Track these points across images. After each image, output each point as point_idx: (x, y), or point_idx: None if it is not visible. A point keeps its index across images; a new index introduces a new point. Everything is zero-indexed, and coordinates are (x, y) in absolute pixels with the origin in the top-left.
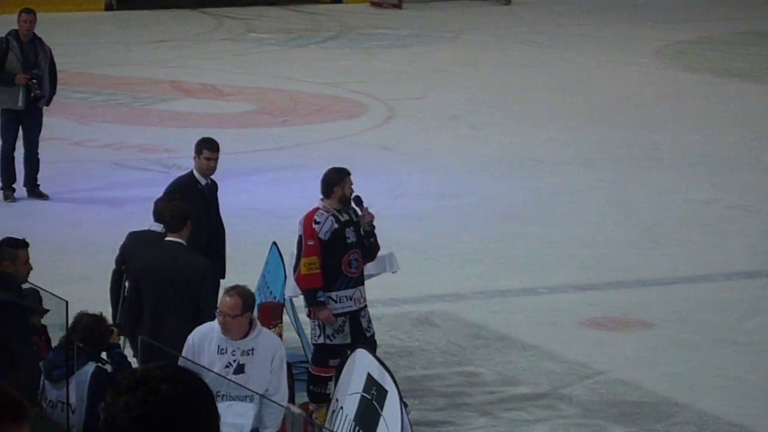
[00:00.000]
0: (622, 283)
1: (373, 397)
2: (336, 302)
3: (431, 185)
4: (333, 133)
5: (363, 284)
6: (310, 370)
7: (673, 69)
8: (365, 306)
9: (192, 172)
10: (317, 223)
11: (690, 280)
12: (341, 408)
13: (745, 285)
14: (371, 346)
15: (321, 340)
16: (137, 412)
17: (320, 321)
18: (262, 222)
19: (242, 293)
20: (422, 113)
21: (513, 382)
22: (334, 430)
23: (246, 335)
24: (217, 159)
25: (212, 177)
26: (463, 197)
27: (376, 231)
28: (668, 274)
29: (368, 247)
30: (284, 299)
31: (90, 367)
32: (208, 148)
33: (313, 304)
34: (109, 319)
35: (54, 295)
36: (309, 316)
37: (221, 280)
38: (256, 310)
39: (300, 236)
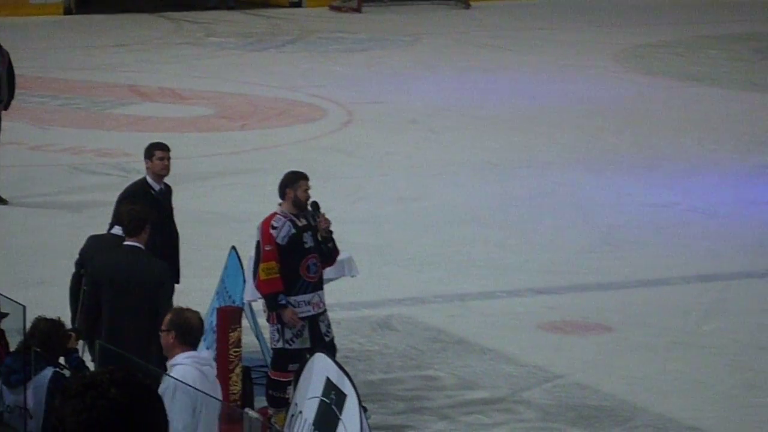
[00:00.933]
0: (580, 287)
1: (332, 401)
2: (295, 307)
3: (390, 189)
4: (291, 137)
5: (322, 289)
6: (270, 374)
7: (631, 72)
8: (324, 311)
9: (145, 178)
10: (274, 228)
11: (648, 283)
12: (300, 412)
13: (704, 288)
14: (331, 350)
15: (280, 345)
16: (84, 416)
17: (280, 326)
18: (221, 226)
19: None
20: (381, 117)
21: (472, 386)
22: None
23: None
24: (169, 158)
25: (167, 182)
26: (421, 201)
27: (334, 236)
28: (627, 278)
29: (326, 252)
30: (243, 303)
31: (48, 372)
32: (159, 148)
33: (275, 308)
34: (68, 323)
35: (11, 299)
36: (268, 320)
37: (176, 286)
38: (214, 314)
39: (258, 241)
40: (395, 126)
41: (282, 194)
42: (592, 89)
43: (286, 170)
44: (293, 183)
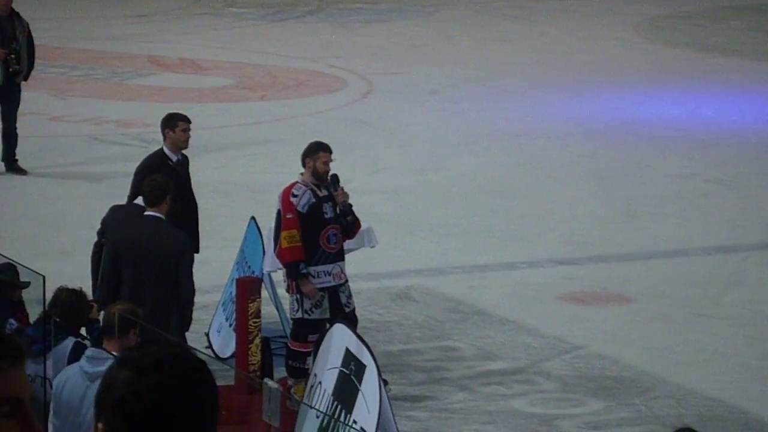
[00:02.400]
0: (600, 258)
1: (351, 372)
2: (314, 277)
3: (410, 160)
4: (311, 108)
5: (343, 260)
6: (289, 345)
7: (652, 44)
8: (346, 281)
9: (162, 149)
10: (295, 196)
11: (669, 254)
12: (320, 383)
13: (724, 259)
14: (351, 321)
15: (299, 315)
16: (160, 394)
17: (299, 295)
18: (241, 197)
19: None
20: (401, 88)
21: (491, 357)
22: (313, 405)
23: None
24: (190, 129)
25: (184, 152)
26: (441, 172)
27: (355, 208)
28: (647, 249)
29: (346, 225)
30: (262, 274)
31: (69, 343)
32: (182, 119)
33: (295, 276)
34: (89, 293)
35: (31, 269)
36: (288, 290)
37: (195, 256)
38: (234, 285)
39: (279, 210)
40: (415, 97)
41: (303, 163)
42: (613, 60)
43: (306, 141)
44: (313, 153)
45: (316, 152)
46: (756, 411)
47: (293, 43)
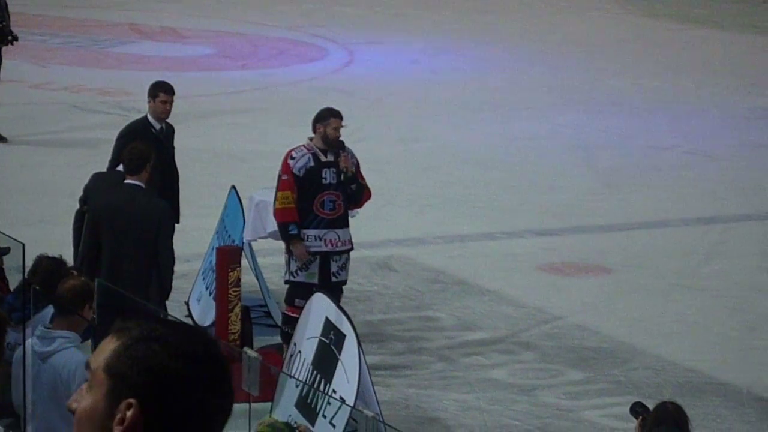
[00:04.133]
0: (580, 229)
1: (331, 342)
2: (305, 240)
3: (391, 130)
4: (292, 77)
5: (343, 227)
6: (285, 310)
7: (633, 15)
8: (343, 251)
9: (146, 116)
10: (293, 158)
11: (649, 225)
12: (299, 352)
13: (704, 231)
14: (335, 291)
15: (286, 277)
16: (152, 362)
17: (289, 256)
18: (221, 166)
19: None
20: (382, 58)
21: (471, 327)
22: (292, 374)
23: None
24: (172, 102)
25: (169, 121)
26: (422, 142)
27: (364, 181)
28: (627, 220)
29: (351, 193)
30: (243, 243)
31: (50, 310)
32: (164, 91)
33: (285, 238)
34: (70, 261)
35: (10, 237)
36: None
37: (175, 225)
38: (214, 254)
39: (279, 172)
40: (396, 67)
41: (313, 128)
42: (594, 31)
43: (287, 110)
44: (325, 119)
45: (327, 118)
46: (735, 382)
47: (274, 12)
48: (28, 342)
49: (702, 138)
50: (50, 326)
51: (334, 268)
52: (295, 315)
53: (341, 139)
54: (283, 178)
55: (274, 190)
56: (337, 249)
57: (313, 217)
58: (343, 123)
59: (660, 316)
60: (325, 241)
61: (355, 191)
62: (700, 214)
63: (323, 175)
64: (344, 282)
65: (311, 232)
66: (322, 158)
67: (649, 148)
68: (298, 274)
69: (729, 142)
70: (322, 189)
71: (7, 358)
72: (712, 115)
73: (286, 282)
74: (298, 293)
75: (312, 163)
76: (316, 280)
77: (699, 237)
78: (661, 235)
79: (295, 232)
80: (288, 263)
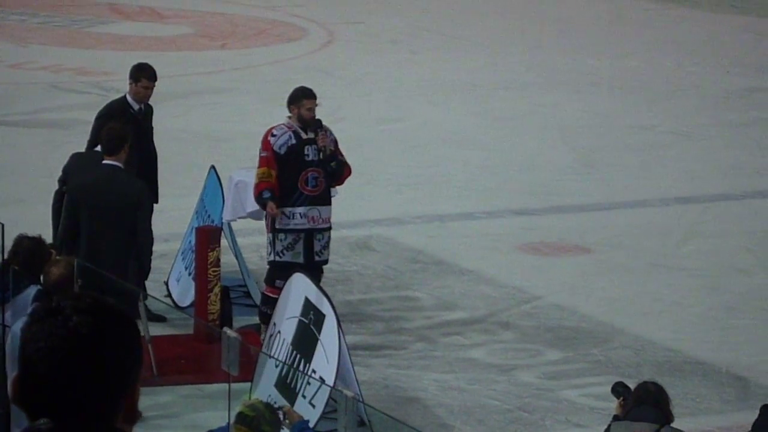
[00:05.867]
0: (559, 208)
1: (310, 322)
2: (288, 218)
3: (370, 110)
4: (271, 57)
5: (325, 205)
6: (264, 290)
7: None
8: (325, 228)
9: (125, 96)
10: (273, 135)
11: (628, 205)
12: (279, 332)
13: (682, 210)
14: (316, 272)
15: (271, 258)
16: (42, 344)
17: (273, 236)
18: (200, 146)
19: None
20: (361, 37)
21: (450, 307)
22: (272, 354)
23: None
24: (153, 88)
25: (150, 103)
26: (401, 122)
27: (343, 158)
28: (606, 199)
29: (331, 171)
30: (222, 223)
31: (32, 290)
32: (147, 77)
33: (260, 203)
34: (49, 241)
35: None
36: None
37: (154, 205)
38: (193, 234)
39: (260, 149)
40: (375, 46)
41: (288, 108)
42: (572, 10)
43: (266, 90)
44: (297, 101)
45: (300, 99)
46: (713, 361)
47: None
48: (17, 323)
49: (680, 118)
50: None
51: (317, 247)
52: (274, 295)
53: (318, 117)
54: (262, 155)
55: (255, 170)
56: (318, 226)
57: (298, 195)
58: (317, 101)
59: (639, 295)
60: (309, 218)
61: (335, 169)
62: (678, 194)
63: (305, 152)
64: (326, 261)
65: (297, 210)
66: (303, 135)
67: (628, 127)
68: (284, 254)
69: (707, 122)
70: (306, 166)
71: None
72: (690, 94)
73: (270, 263)
74: (279, 274)
75: (293, 141)
76: (301, 260)
77: (678, 216)
78: (639, 215)
79: (268, 195)
80: (273, 243)
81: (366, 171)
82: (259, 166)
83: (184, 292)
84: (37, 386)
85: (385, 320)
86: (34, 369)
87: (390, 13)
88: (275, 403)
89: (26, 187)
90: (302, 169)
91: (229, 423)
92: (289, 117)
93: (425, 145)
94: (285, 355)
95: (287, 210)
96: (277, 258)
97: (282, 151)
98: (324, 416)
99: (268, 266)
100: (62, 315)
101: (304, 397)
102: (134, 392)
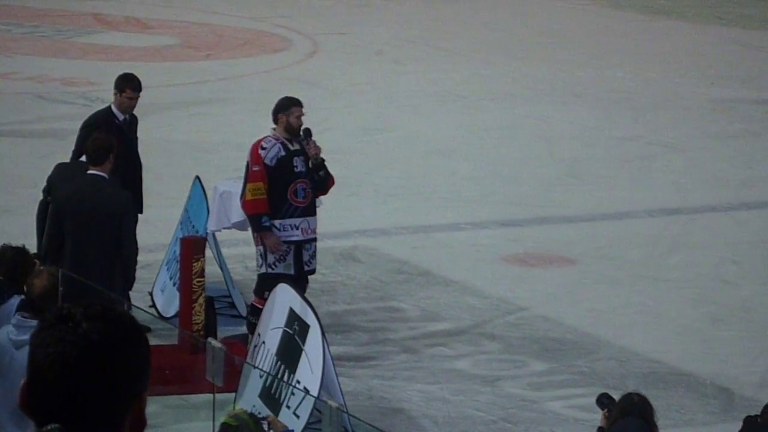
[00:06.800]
0: (544, 219)
1: (295, 332)
2: (280, 230)
3: (355, 120)
4: (257, 67)
5: (312, 215)
6: (253, 301)
7: (598, 5)
8: (312, 239)
9: (110, 106)
10: (263, 148)
11: (613, 216)
12: (263, 343)
13: (668, 221)
14: (302, 282)
15: (263, 270)
16: (51, 350)
17: (264, 249)
18: (185, 156)
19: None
20: (346, 48)
21: (435, 318)
22: (256, 364)
23: None
24: (138, 98)
25: (133, 112)
26: (386, 132)
27: (328, 165)
28: (591, 211)
29: (318, 181)
30: (207, 233)
31: (15, 300)
32: (131, 88)
33: (258, 229)
34: (33, 251)
35: None
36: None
37: (139, 215)
38: (178, 244)
39: (247, 162)
40: (360, 57)
41: (275, 119)
42: (558, 22)
43: (252, 101)
44: (286, 109)
45: (289, 107)
46: (698, 373)
47: (239, 2)
48: (3, 330)
49: (666, 129)
50: (27, 315)
51: (305, 257)
52: (262, 306)
53: (308, 127)
54: (254, 169)
55: (242, 180)
56: (308, 237)
57: (288, 206)
58: (303, 110)
59: (624, 307)
60: (301, 230)
61: (323, 177)
62: (663, 205)
63: (294, 164)
64: (314, 271)
65: (288, 222)
66: (291, 147)
67: (613, 139)
68: (276, 266)
69: (692, 134)
70: (295, 177)
71: None
72: (676, 106)
73: (261, 275)
74: (268, 285)
75: (283, 153)
76: (293, 271)
77: (662, 228)
78: (625, 226)
79: (267, 224)
80: (264, 256)
81: (351, 182)
82: (251, 180)
83: (169, 302)
84: (46, 392)
85: (370, 331)
86: (43, 375)
87: (375, 24)
88: (260, 413)
89: (11, 197)
90: (291, 180)
91: None
92: (274, 128)
93: (411, 156)
94: (269, 365)
95: (278, 222)
96: (270, 270)
97: (272, 164)
98: (308, 427)
99: (257, 277)
100: (72, 321)
101: (288, 407)
102: (142, 400)
